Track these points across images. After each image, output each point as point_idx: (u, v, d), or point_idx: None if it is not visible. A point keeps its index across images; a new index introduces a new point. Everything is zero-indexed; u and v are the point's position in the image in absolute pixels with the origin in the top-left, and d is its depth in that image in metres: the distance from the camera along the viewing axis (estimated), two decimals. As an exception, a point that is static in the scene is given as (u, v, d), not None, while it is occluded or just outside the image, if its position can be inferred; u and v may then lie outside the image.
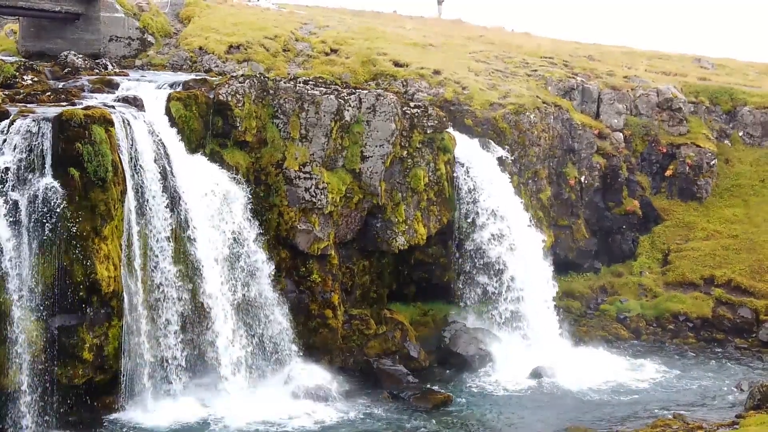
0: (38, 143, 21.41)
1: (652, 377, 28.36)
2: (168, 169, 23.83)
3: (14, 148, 21.22)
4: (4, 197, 20.99)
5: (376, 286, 29.20)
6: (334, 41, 36.59)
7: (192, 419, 23.16)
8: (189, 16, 37.38)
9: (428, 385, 26.73)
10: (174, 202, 23.89)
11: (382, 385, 26.46)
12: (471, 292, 30.21)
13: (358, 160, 27.93)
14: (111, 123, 22.44)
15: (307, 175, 26.81)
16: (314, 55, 35.45)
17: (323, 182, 26.99)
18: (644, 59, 45.53)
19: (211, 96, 26.20)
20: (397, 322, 28.82)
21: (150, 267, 23.43)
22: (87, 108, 22.64)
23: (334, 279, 27.38)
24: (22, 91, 25.02)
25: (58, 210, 21.19)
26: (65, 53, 30.28)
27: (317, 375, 25.72)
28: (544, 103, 34.63)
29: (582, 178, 35.09)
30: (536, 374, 27.66)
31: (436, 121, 29.77)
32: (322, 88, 27.98)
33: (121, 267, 22.59)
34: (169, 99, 25.42)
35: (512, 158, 32.05)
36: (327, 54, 35.74)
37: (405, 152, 29.04)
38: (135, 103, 24.88)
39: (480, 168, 30.45)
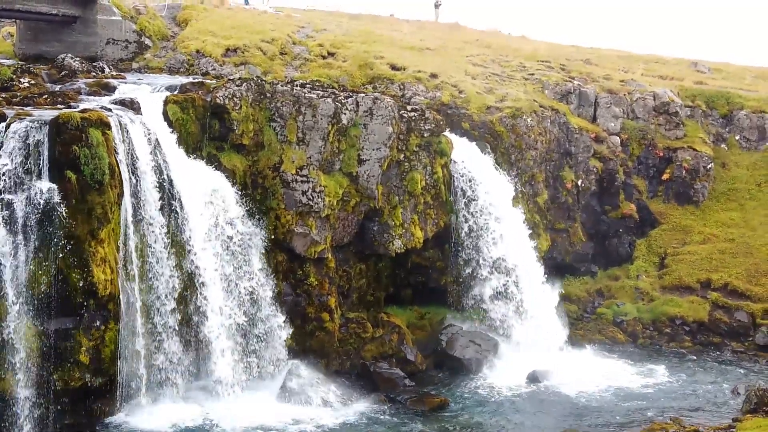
0: (35, 146, 21.37)
1: (649, 381, 28.34)
2: (165, 172, 23.81)
3: (11, 151, 21.16)
4: (1, 200, 20.92)
5: (372, 290, 29.20)
6: (332, 45, 36.62)
7: (188, 423, 23.13)
8: (186, 19, 37.41)
9: (425, 389, 26.75)
10: (171, 205, 23.86)
11: (378, 388, 26.47)
12: (468, 295, 30.21)
13: (355, 163, 27.94)
14: (108, 126, 22.43)
15: (304, 179, 26.79)
16: (311, 59, 35.47)
17: (320, 185, 26.97)
18: (641, 63, 45.61)
19: (208, 99, 26.19)
20: (394, 325, 28.80)
21: (147, 270, 23.41)
22: (84, 111, 22.63)
23: (331, 282, 27.37)
24: (19, 93, 25.00)
25: (54, 213, 21.13)
26: (62, 56, 30.29)
27: (314, 378, 25.71)
28: (540, 106, 34.67)
29: (579, 182, 35.11)
30: (533, 378, 27.65)
31: (433, 125, 29.78)
32: (319, 92, 27.96)
33: (118, 270, 22.58)
34: (166, 102, 25.41)
35: (510, 161, 32.08)
36: (324, 57, 35.78)
37: (402, 156, 29.03)
38: (132, 106, 24.87)
39: (478, 171, 30.43)
